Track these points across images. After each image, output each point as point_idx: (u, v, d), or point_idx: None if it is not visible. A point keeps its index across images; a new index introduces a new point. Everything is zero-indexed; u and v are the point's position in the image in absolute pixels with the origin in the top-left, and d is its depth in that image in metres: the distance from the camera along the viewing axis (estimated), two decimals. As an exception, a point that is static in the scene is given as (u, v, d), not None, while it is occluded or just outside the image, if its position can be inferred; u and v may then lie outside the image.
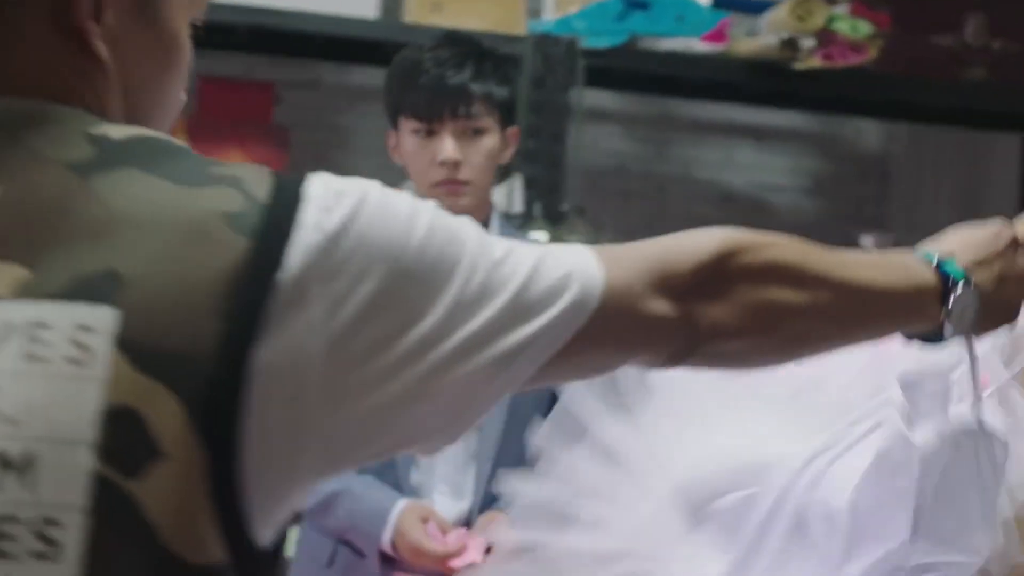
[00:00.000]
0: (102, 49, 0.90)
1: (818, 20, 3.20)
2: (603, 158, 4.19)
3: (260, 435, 0.80)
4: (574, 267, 0.92)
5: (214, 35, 3.49)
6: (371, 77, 4.13)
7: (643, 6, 3.34)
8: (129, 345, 0.78)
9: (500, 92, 2.26)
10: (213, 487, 0.79)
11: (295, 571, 2.34)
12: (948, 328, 1.17)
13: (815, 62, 3.22)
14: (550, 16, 3.48)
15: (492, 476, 2.25)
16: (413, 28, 3.33)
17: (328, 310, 0.81)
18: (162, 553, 0.78)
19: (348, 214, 0.83)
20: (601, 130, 4.19)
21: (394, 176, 3.85)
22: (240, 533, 0.81)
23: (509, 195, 3.30)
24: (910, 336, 1.21)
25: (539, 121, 3.28)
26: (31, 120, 0.86)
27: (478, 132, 2.24)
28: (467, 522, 2.25)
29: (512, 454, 2.27)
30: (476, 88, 2.23)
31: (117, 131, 0.87)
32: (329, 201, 0.83)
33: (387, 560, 2.20)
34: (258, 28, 3.33)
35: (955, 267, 1.17)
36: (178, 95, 0.98)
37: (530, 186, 3.28)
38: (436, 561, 2.14)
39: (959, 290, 1.16)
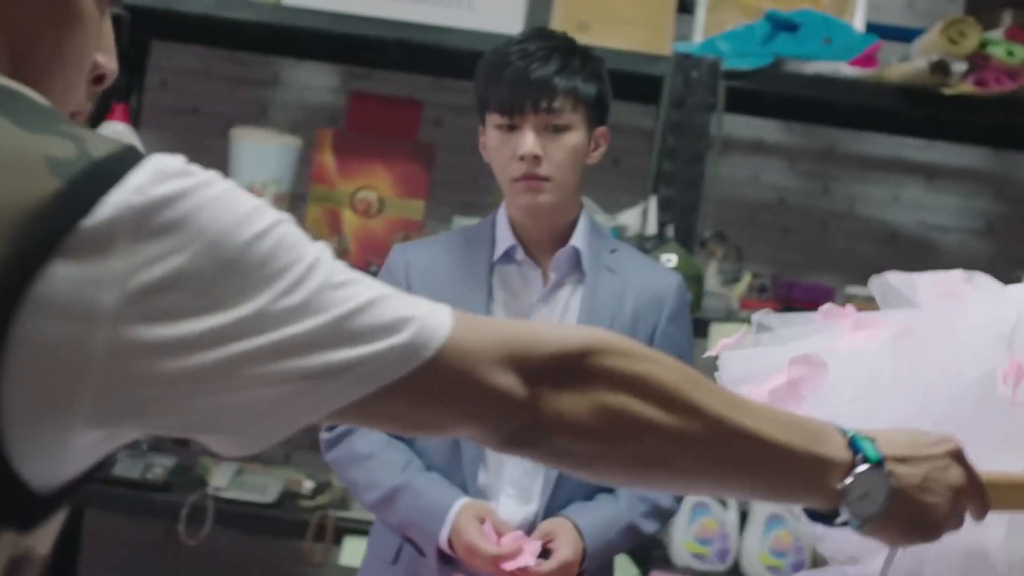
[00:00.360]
0: None
1: (971, 43, 3.06)
2: (764, 191, 4.09)
3: (29, 365, 0.79)
4: (420, 315, 0.92)
5: (366, 53, 3.57)
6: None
7: (790, 28, 3.25)
8: None
9: (587, 89, 2.22)
10: None
11: (364, 566, 2.32)
12: (844, 509, 1.11)
13: (966, 88, 3.08)
14: (699, 41, 3.43)
15: (559, 482, 2.20)
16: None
17: (132, 267, 0.81)
18: None
19: (181, 190, 0.83)
20: (763, 163, 4.09)
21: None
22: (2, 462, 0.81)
23: (643, 216, 3.24)
24: (807, 510, 1.14)
25: (677, 143, 3.22)
26: None
27: (561, 128, 2.20)
28: (532, 526, 2.19)
29: None
30: (560, 82, 2.19)
31: None
32: (167, 174, 0.84)
33: (446, 559, 2.16)
34: (407, 44, 3.37)
35: (870, 447, 1.11)
36: (83, 57, 0.98)
37: (664, 208, 3.22)
38: (488, 562, 2.09)
39: (863, 468, 1.09)
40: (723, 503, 3.29)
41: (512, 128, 2.20)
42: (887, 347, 1.68)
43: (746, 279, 3.40)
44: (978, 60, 3.08)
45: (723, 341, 2.04)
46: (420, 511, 2.14)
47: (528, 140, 2.17)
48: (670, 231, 3.18)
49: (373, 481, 2.19)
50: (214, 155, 3.74)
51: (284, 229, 0.88)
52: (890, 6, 4.01)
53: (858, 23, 3.39)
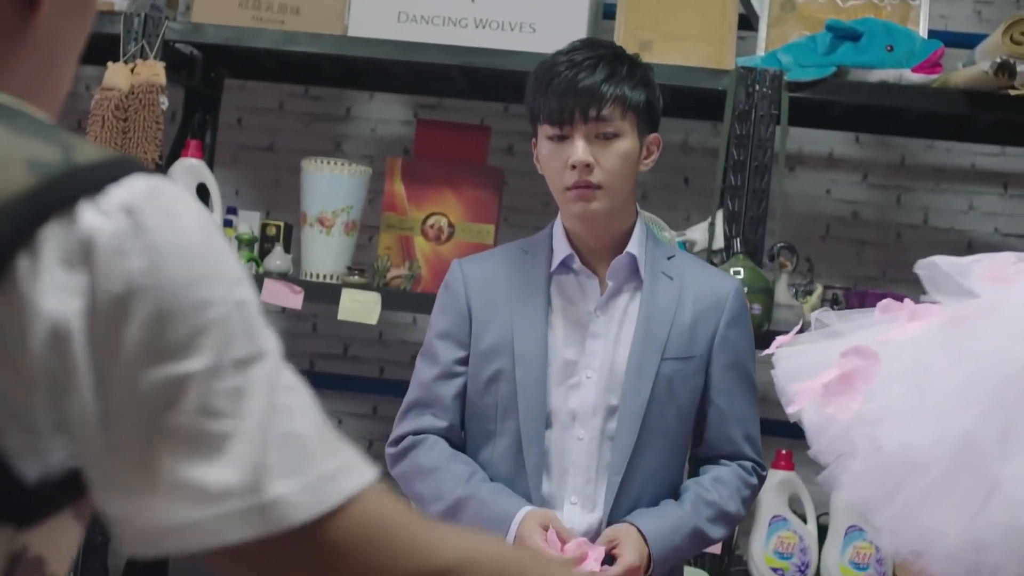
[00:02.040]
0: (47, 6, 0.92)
1: (1035, 43, 3.03)
2: (836, 205, 4.07)
3: (2, 356, 0.79)
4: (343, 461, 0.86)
5: (433, 81, 3.62)
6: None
7: (853, 38, 3.25)
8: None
9: (636, 95, 2.23)
10: None
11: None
12: None
13: (1033, 88, 3.05)
14: (762, 54, 3.43)
15: (622, 489, 2.20)
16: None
17: (95, 282, 0.80)
18: None
19: (153, 225, 0.81)
20: (836, 177, 4.07)
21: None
22: None
23: (710, 230, 3.25)
24: None
25: (742, 156, 3.22)
26: None
27: (611, 136, 2.22)
28: (597, 534, 2.20)
29: (649, 470, 2.22)
30: (608, 90, 2.21)
31: None
32: (147, 195, 0.82)
33: (512, 566, 2.17)
34: (473, 71, 3.41)
35: None
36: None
37: (731, 222, 3.22)
38: (554, 567, 2.10)
39: None
40: (802, 516, 3.27)
41: (563, 138, 2.22)
42: (938, 334, 1.68)
43: (818, 292, 3.38)
44: (1044, 60, 3.05)
45: (779, 339, 2.04)
46: (485, 520, 2.16)
47: (579, 148, 2.19)
48: (737, 244, 3.18)
49: (439, 493, 2.21)
50: (290, 191, 3.82)
51: (248, 302, 0.85)
52: (958, 14, 3.98)
53: (921, 30, 3.38)
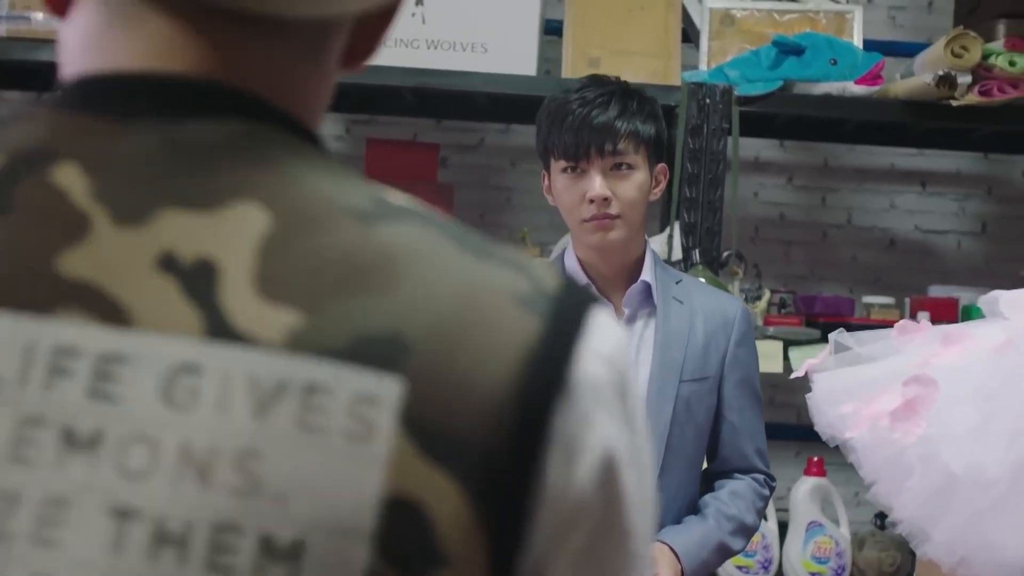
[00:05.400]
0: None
1: (975, 56, 3.19)
2: (764, 208, 4.21)
3: (539, 547, 0.69)
4: None
5: (380, 99, 3.66)
6: (532, 136, 4.24)
7: (796, 52, 3.37)
8: (414, 424, 0.66)
9: (646, 129, 2.32)
10: None
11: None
12: None
13: (973, 99, 3.21)
14: (705, 67, 3.54)
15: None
16: (571, 83, 3.42)
17: (603, 440, 0.71)
18: None
19: (626, 377, 0.74)
20: (762, 180, 4.21)
21: (555, 233, 3.95)
22: None
23: (668, 242, 3.35)
24: None
25: (696, 169, 3.33)
26: (277, 137, 0.73)
27: (626, 168, 2.30)
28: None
29: (673, 488, 2.31)
30: (621, 125, 2.29)
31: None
32: (617, 345, 0.74)
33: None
34: (422, 90, 3.46)
35: None
36: None
37: (688, 233, 3.32)
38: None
39: None
40: (835, 521, 3.43)
41: (580, 171, 2.30)
42: (991, 358, 1.79)
43: (766, 296, 3.51)
44: (980, 71, 3.22)
45: (809, 362, 2.15)
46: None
47: (596, 183, 2.27)
48: (696, 255, 3.29)
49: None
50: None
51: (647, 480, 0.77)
52: (874, 19, 4.14)
53: (856, 40, 3.52)
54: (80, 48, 0.74)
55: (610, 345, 0.73)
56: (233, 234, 0.68)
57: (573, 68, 3.48)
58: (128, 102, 0.71)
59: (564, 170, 2.31)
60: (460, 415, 0.67)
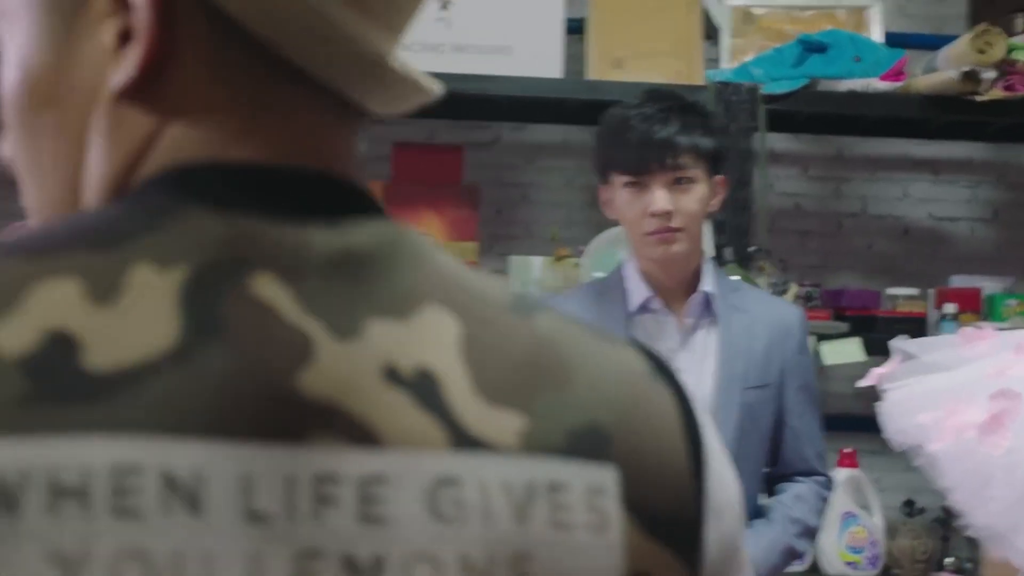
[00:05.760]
0: None
1: (999, 51, 3.24)
2: (780, 199, 4.26)
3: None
4: None
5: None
6: (547, 133, 4.28)
7: (820, 49, 3.42)
8: (634, 508, 0.69)
9: (705, 143, 2.36)
10: None
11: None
12: None
13: (997, 93, 3.26)
14: (727, 66, 3.58)
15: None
16: (596, 85, 3.46)
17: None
18: None
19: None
20: (777, 172, 4.26)
21: (574, 229, 3.98)
22: None
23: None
24: None
25: (725, 167, 3.37)
26: (409, 233, 0.73)
27: (687, 182, 2.34)
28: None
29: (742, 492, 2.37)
30: (682, 140, 2.33)
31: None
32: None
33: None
34: (450, 95, 3.48)
35: None
36: None
37: (719, 231, 3.36)
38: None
39: None
40: (868, 510, 3.48)
41: (641, 186, 2.34)
42: None
43: (792, 290, 3.56)
44: (1005, 66, 3.27)
45: (877, 371, 2.20)
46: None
47: (659, 198, 2.32)
48: (728, 254, 3.33)
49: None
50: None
51: None
52: (886, 11, 4.19)
53: (876, 36, 3.57)
54: (206, 126, 0.69)
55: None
56: (436, 341, 0.68)
57: (598, 70, 3.51)
58: (293, 202, 0.68)
59: (626, 185, 2.35)
60: (663, 493, 0.71)
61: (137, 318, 0.62)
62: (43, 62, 0.72)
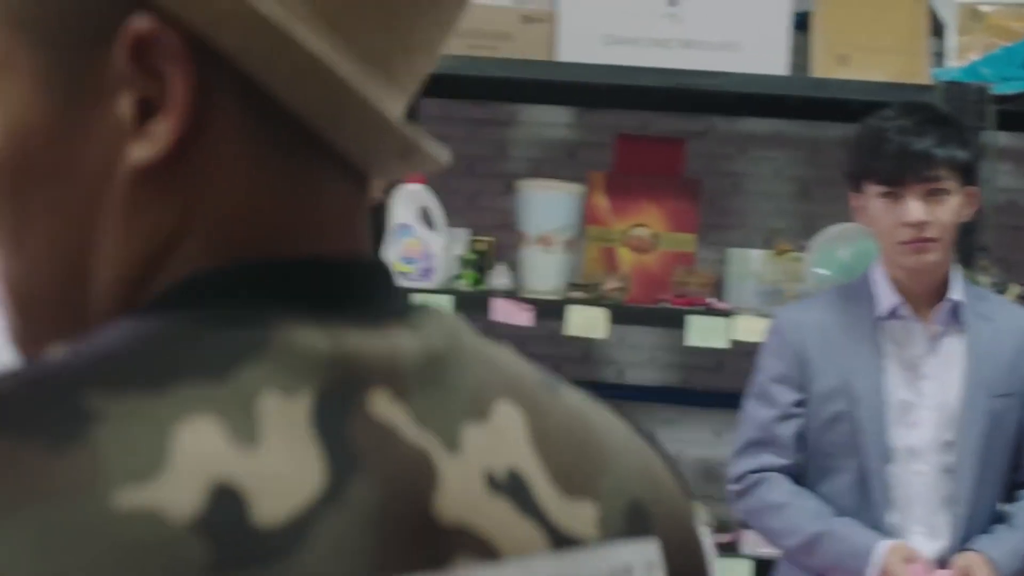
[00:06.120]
0: None
1: None
2: (997, 195, 4.24)
3: None
4: None
5: (634, 99, 3.76)
6: (760, 124, 4.32)
7: (1051, 49, 3.41)
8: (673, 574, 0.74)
9: (961, 155, 2.41)
10: None
11: (775, 605, 2.54)
12: None
13: None
14: (953, 64, 3.58)
15: (968, 518, 2.40)
16: (821, 82, 3.50)
17: None
18: None
19: None
20: (995, 167, 4.23)
21: (785, 220, 4.03)
22: None
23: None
24: None
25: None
26: (449, 318, 0.70)
27: (941, 193, 2.40)
28: (942, 563, 2.40)
29: (985, 499, 2.42)
30: (939, 152, 2.38)
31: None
32: None
33: (868, 597, 2.37)
34: (675, 90, 3.55)
35: None
36: None
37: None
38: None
39: None
40: None
41: (896, 196, 2.40)
42: None
43: (1014, 291, 3.56)
44: None
45: None
46: (844, 554, 2.36)
47: (914, 209, 2.38)
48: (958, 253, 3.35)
49: (793, 528, 2.40)
50: (488, 210, 4.00)
51: None
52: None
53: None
54: (245, 211, 0.63)
55: None
56: (514, 439, 0.67)
57: (822, 66, 3.55)
58: (366, 301, 0.65)
59: (881, 195, 2.41)
60: (688, 556, 0.74)
61: (284, 458, 0.58)
62: (40, 129, 0.63)
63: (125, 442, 0.54)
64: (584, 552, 0.67)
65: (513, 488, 0.66)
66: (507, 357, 0.71)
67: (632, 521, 0.71)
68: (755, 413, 2.51)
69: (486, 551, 0.63)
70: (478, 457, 0.65)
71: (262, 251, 0.63)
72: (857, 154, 2.47)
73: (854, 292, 2.53)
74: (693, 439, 4.43)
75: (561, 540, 0.66)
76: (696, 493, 3.93)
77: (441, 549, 0.62)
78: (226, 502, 0.55)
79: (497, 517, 0.64)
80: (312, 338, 0.61)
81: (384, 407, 0.62)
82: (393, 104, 0.65)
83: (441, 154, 0.68)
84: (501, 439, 0.66)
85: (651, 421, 4.43)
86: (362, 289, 0.65)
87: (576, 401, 0.73)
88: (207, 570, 0.53)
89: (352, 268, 0.65)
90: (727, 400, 4.37)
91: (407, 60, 0.65)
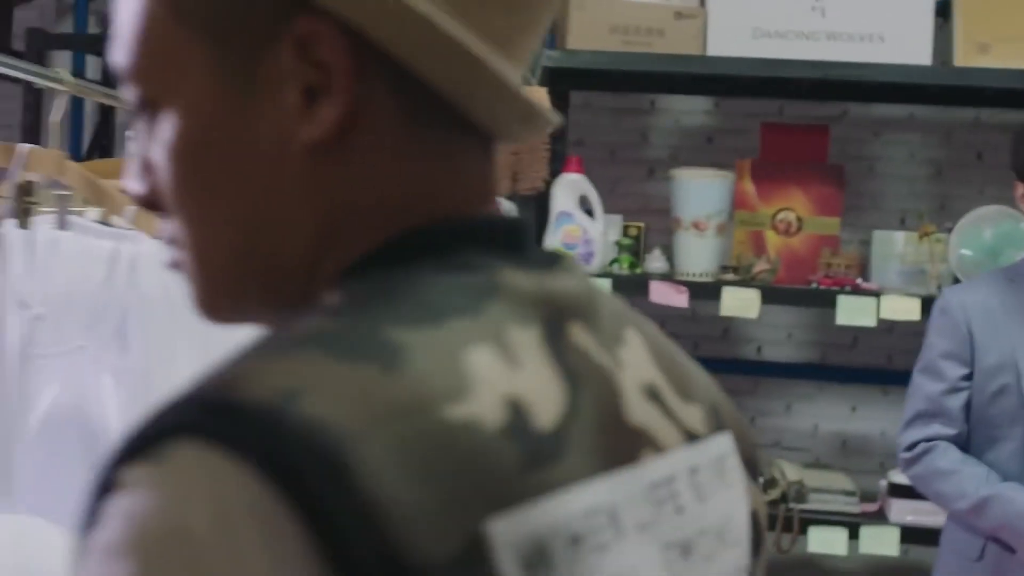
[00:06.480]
0: None
1: None
2: None
3: None
4: None
5: (778, 89, 3.93)
6: (893, 109, 4.48)
7: None
8: (743, 461, 0.89)
9: None
10: None
11: (941, 564, 2.72)
12: None
13: None
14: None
15: None
16: (964, 72, 3.64)
17: None
18: None
19: None
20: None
21: (918, 201, 4.18)
22: None
23: None
24: None
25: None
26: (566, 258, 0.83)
27: None
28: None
29: None
30: None
31: None
32: None
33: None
34: (820, 81, 3.73)
35: None
36: None
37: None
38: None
39: None
40: None
41: None
42: None
43: None
44: None
45: None
46: (1012, 515, 2.54)
47: None
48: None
49: (962, 492, 2.59)
50: (634, 196, 4.16)
51: None
52: None
53: None
54: (414, 180, 0.75)
55: None
56: (643, 357, 0.82)
57: (964, 55, 3.69)
58: (530, 252, 0.78)
59: None
60: (746, 443, 0.90)
61: (540, 377, 0.71)
62: (215, 113, 0.74)
63: (434, 367, 0.66)
64: (701, 444, 0.84)
65: (655, 396, 0.81)
66: (607, 292, 0.85)
67: (716, 419, 0.87)
68: (924, 387, 2.70)
69: (657, 447, 0.79)
70: (631, 372, 0.79)
71: (425, 213, 0.75)
72: (1021, 148, 2.64)
73: (1018, 273, 2.70)
74: (830, 414, 4.61)
75: (689, 436, 0.83)
76: (835, 465, 4.13)
77: (633, 448, 0.77)
78: (518, 413, 0.67)
79: (655, 419, 0.80)
80: (525, 281, 0.74)
81: (579, 336, 0.76)
82: (514, 76, 0.75)
83: (553, 116, 0.80)
84: (637, 357, 0.81)
85: (789, 396, 4.62)
86: (523, 240, 0.78)
87: (649, 325, 0.87)
88: (518, 468, 0.66)
89: (509, 223, 0.78)
90: (863, 376, 4.57)
91: (523, 38, 0.77)
